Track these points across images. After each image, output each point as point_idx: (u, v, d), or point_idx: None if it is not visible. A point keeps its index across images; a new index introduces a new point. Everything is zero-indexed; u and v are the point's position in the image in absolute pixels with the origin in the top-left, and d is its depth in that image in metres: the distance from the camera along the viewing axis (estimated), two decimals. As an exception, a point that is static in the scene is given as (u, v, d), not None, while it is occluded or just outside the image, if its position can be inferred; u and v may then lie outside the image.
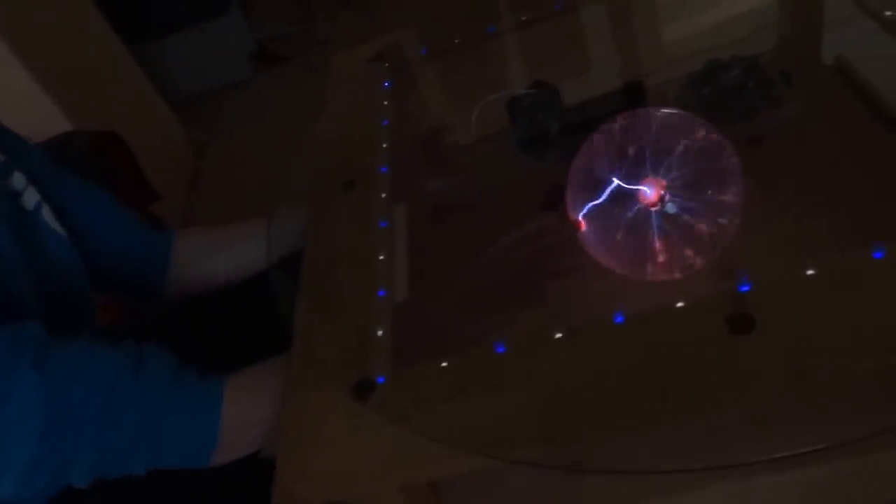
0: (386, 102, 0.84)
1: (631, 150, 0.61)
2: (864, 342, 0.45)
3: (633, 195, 0.60)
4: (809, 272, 0.48)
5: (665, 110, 0.63)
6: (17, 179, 0.62)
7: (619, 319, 0.50)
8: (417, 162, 0.90)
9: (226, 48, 2.05)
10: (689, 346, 0.48)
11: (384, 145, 0.76)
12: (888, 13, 0.74)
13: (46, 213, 0.64)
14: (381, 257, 0.63)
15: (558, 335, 0.51)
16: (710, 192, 0.59)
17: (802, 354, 0.45)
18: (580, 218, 0.61)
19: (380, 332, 0.56)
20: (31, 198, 0.63)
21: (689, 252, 0.60)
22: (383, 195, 0.70)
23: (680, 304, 0.50)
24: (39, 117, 1.30)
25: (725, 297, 0.49)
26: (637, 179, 0.60)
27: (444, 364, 0.52)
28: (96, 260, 0.71)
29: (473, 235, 0.74)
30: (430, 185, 0.86)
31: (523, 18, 0.94)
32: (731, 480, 0.57)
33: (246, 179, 1.70)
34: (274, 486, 0.49)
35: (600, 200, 0.60)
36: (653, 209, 0.59)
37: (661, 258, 0.60)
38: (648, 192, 0.60)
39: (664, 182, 0.60)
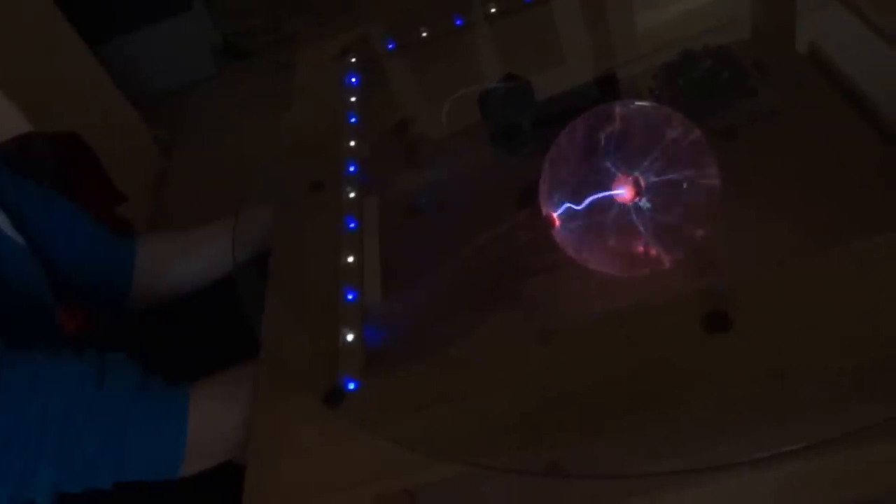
0: (353, 99, 0.82)
1: (604, 145, 0.60)
2: (840, 339, 0.44)
3: (607, 191, 0.59)
4: (786, 269, 0.48)
5: (638, 103, 0.62)
6: None
7: (594, 320, 0.50)
8: (388, 159, 0.88)
9: (190, 44, 2.00)
10: (666, 345, 0.47)
11: (352, 144, 0.75)
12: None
13: (3, 222, 0.62)
14: (350, 259, 0.61)
15: (532, 337, 0.50)
16: (685, 186, 0.58)
17: (779, 352, 0.44)
18: (554, 215, 0.60)
19: (350, 337, 0.54)
20: None
21: (664, 248, 0.59)
22: (351, 195, 0.68)
23: (655, 303, 0.49)
24: (-3, 120, 1.26)
25: (702, 294, 0.48)
26: (610, 175, 0.59)
27: (416, 370, 0.51)
28: (58, 269, 0.69)
29: (447, 234, 0.73)
30: (402, 183, 0.84)
31: (492, 10, 0.92)
32: (714, 478, 0.56)
33: (214, 178, 1.67)
34: (244, 497, 0.48)
35: (581, 207, 0.59)
36: (627, 205, 0.59)
37: (635, 254, 0.60)
38: (622, 187, 0.59)
39: (638, 177, 0.59)
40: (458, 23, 0.91)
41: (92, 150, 1.29)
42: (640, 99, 0.80)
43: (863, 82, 0.69)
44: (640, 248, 0.59)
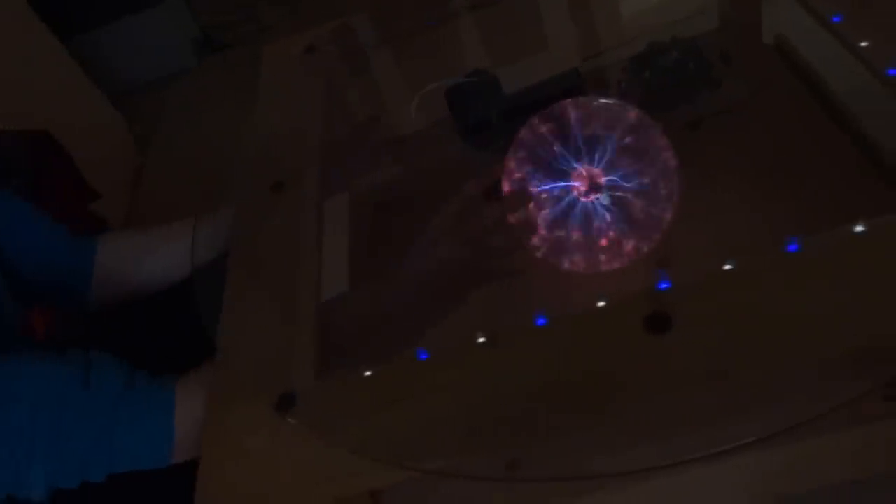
0: (318, 97, 0.81)
1: (564, 141, 0.60)
2: (779, 338, 0.45)
3: (568, 186, 0.60)
4: (726, 268, 0.48)
5: (602, 100, 0.63)
6: None
7: (541, 322, 0.50)
8: (355, 156, 0.88)
9: (168, 36, 1.98)
10: (609, 346, 0.47)
11: (315, 144, 0.74)
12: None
13: None
14: (309, 262, 0.61)
15: (481, 339, 0.50)
16: (645, 182, 0.59)
17: (717, 353, 0.45)
18: (516, 212, 0.61)
19: (304, 341, 0.55)
20: None
21: (622, 243, 0.60)
22: (313, 197, 0.68)
23: (601, 304, 0.50)
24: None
25: (647, 295, 0.49)
26: (570, 170, 0.60)
27: (366, 373, 0.51)
28: (16, 270, 0.68)
29: (414, 230, 0.73)
30: (369, 180, 0.84)
31: (461, 6, 0.92)
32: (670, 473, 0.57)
33: (192, 174, 1.66)
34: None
35: (539, 189, 0.59)
36: (587, 200, 0.59)
37: (594, 249, 0.60)
38: (583, 182, 0.59)
39: (598, 172, 0.59)
40: (429, 23, 0.90)
41: (63, 148, 1.28)
42: (608, 91, 0.80)
43: (828, 75, 0.69)
44: (599, 243, 0.60)
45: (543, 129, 0.62)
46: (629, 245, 0.60)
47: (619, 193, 0.59)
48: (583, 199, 0.59)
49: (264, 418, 0.50)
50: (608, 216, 0.59)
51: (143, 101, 1.96)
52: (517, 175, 0.61)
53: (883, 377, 0.49)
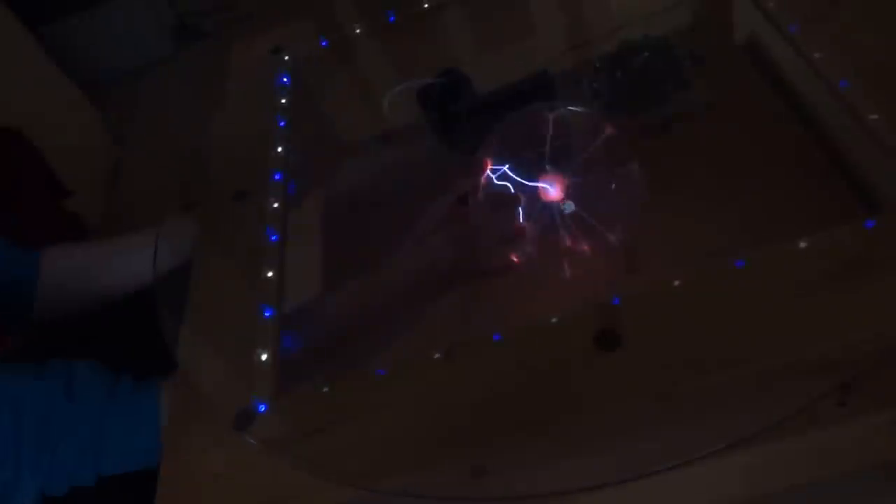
0: (284, 101, 0.80)
1: (531, 150, 0.61)
2: (730, 350, 0.46)
3: (534, 194, 0.60)
4: (675, 283, 0.49)
5: (569, 107, 0.63)
6: None
7: (496, 337, 0.50)
8: (324, 158, 0.88)
9: (144, 24, 1.94)
10: (561, 361, 0.48)
11: (279, 150, 0.74)
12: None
13: None
14: (270, 274, 0.61)
15: (437, 356, 0.50)
16: (609, 190, 0.59)
17: (661, 371, 0.46)
18: (481, 217, 0.61)
19: (263, 357, 0.55)
20: None
21: (583, 251, 0.60)
22: (275, 206, 0.68)
23: (553, 320, 0.50)
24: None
25: (598, 310, 0.49)
26: (536, 177, 0.60)
27: (324, 389, 0.51)
28: None
29: (386, 231, 0.73)
30: (339, 182, 0.84)
31: (426, 5, 0.91)
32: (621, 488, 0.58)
33: (171, 166, 1.64)
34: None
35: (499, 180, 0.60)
36: (552, 208, 0.59)
37: (559, 257, 0.61)
38: (548, 189, 0.60)
39: (564, 179, 0.60)
40: (391, 19, 0.89)
41: (33, 145, 1.26)
42: (579, 91, 0.80)
43: (797, 78, 0.69)
44: (563, 252, 0.60)
45: (510, 135, 0.62)
46: (591, 253, 0.60)
47: (582, 202, 0.59)
48: (548, 207, 0.59)
49: (224, 435, 0.51)
50: (570, 225, 0.59)
51: (118, 92, 1.93)
52: (483, 181, 0.61)
53: (833, 384, 0.50)
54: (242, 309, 0.60)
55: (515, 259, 0.60)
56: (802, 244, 0.48)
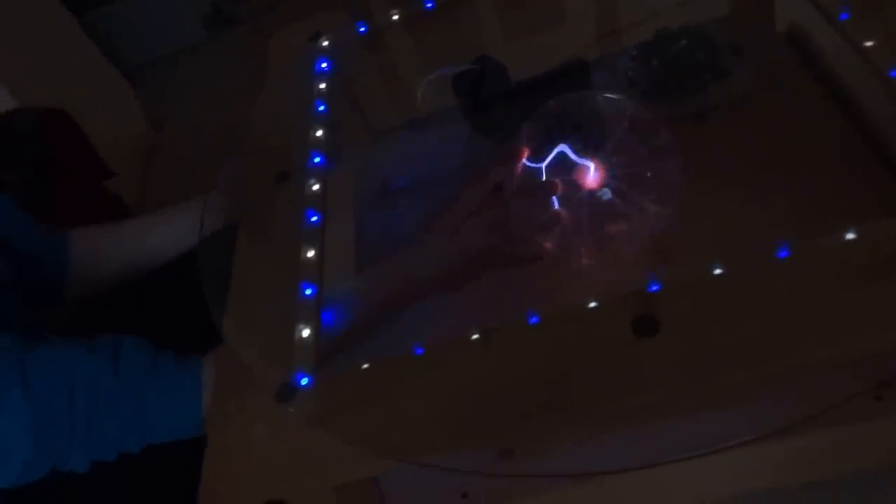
0: (323, 86, 0.82)
1: (568, 136, 0.61)
2: (770, 340, 0.46)
3: (570, 181, 0.60)
4: (716, 272, 0.49)
5: (606, 94, 0.63)
6: None
7: (534, 320, 0.51)
8: (363, 141, 0.89)
9: (178, 11, 1.98)
10: (598, 346, 0.49)
11: (319, 133, 0.75)
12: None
13: None
14: (310, 254, 0.63)
15: (474, 336, 0.52)
16: (647, 179, 0.59)
17: (707, 354, 0.46)
18: (517, 204, 0.61)
19: (305, 333, 0.56)
20: None
21: (621, 239, 0.61)
22: (315, 188, 0.69)
23: (591, 305, 0.51)
24: (-19, 96, 1.26)
25: (635, 297, 0.50)
26: (573, 163, 0.60)
27: (364, 366, 0.53)
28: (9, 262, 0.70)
29: (419, 217, 0.74)
30: (377, 165, 0.85)
31: (465, -9, 0.91)
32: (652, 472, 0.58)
33: (205, 149, 1.67)
34: (200, 490, 0.50)
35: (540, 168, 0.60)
36: (588, 194, 0.60)
37: (594, 245, 0.61)
38: (584, 178, 0.60)
39: (601, 167, 0.60)
40: (427, 5, 0.90)
41: (78, 126, 1.29)
42: (615, 79, 0.80)
43: (840, 67, 0.68)
44: (599, 239, 0.61)
45: (548, 121, 0.62)
46: (627, 241, 0.61)
47: (621, 189, 0.59)
48: (584, 194, 0.60)
49: (267, 407, 0.52)
50: (608, 212, 0.59)
51: (153, 77, 1.97)
52: (519, 168, 0.62)
53: (871, 378, 0.50)
54: (284, 286, 0.62)
55: (548, 246, 0.60)
56: (845, 236, 0.48)
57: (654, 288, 0.50)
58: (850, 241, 0.48)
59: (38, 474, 0.54)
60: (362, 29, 0.90)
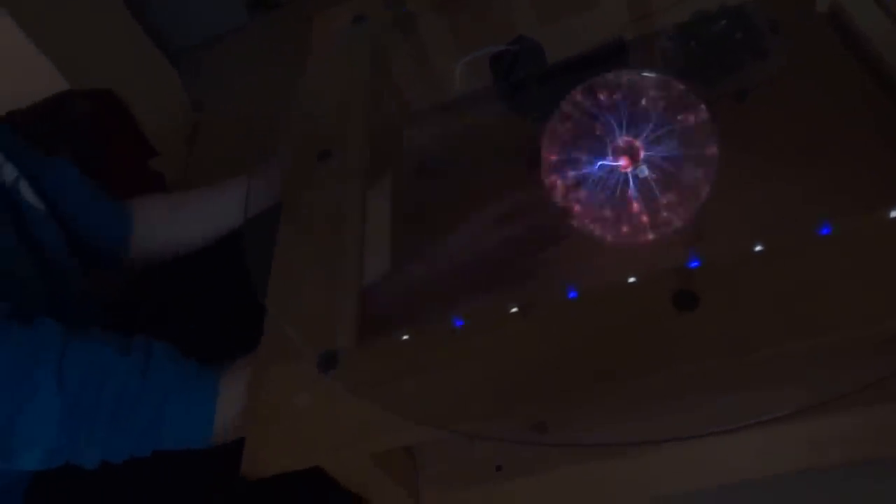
0: (366, 65, 0.83)
1: (605, 113, 0.61)
2: (806, 321, 0.46)
3: (606, 158, 0.60)
4: (757, 249, 0.49)
5: (645, 72, 0.63)
6: None
7: (573, 295, 0.52)
8: (401, 124, 0.90)
9: (221, -6, 2.01)
10: (638, 320, 0.49)
11: (362, 112, 0.76)
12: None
13: (25, 189, 0.66)
14: (354, 229, 0.64)
15: (513, 310, 0.52)
16: (685, 156, 0.59)
17: (746, 330, 0.46)
18: (554, 182, 0.62)
19: (347, 304, 0.58)
20: (9, 172, 0.65)
21: (658, 216, 0.61)
22: (358, 165, 0.71)
23: (631, 280, 0.51)
24: (35, 78, 1.30)
25: (677, 271, 0.50)
26: (610, 142, 0.60)
27: (404, 337, 0.54)
28: (67, 231, 0.72)
29: (456, 196, 0.75)
30: (414, 145, 0.86)
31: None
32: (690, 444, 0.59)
33: (245, 132, 1.71)
34: (243, 457, 0.52)
35: (580, 171, 0.60)
36: (626, 172, 0.60)
37: (631, 222, 0.61)
38: (623, 154, 0.60)
39: (637, 145, 0.60)
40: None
41: (126, 107, 1.34)
42: (653, 60, 0.79)
43: (883, 48, 0.67)
44: (635, 217, 0.61)
45: (585, 99, 0.62)
46: (665, 219, 0.61)
47: (657, 167, 0.59)
48: (622, 171, 0.60)
49: (309, 376, 0.54)
50: (646, 189, 0.59)
51: (195, 59, 2.01)
52: (557, 145, 0.62)
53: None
54: (326, 260, 0.63)
55: (585, 222, 0.61)
56: (886, 214, 0.47)
57: (695, 264, 0.50)
58: (892, 219, 0.47)
59: (55, 464, 0.55)
60: (402, 11, 0.91)
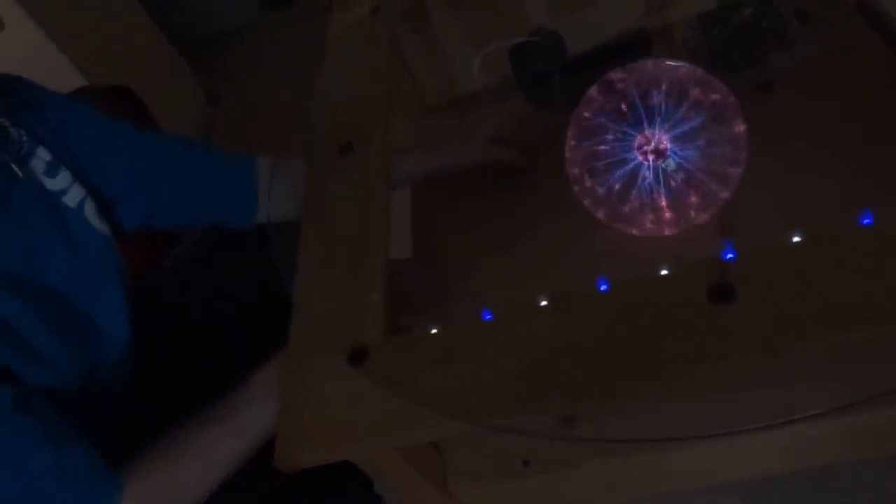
0: (385, 58, 0.83)
1: (630, 105, 0.60)
2: (843, 313, 0.45)
3: (633, 150, 0.60)
4: (794, 240, 0.48)
5: (669, 62, 0.62)
6: (50, 168, 0.60)
7: (604, 287, 0.51)
8: (421, 115, 0.89)
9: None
10: (671, 313, 0.48)
11: (382, 105, 0.76)
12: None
13: (89, 211, 0.63)
14: (378, 222, 0.64)
15: (543, 303, 0.52)
16: (712, 148, 0.58)
17: (778, 327, 0.45)
18: (579, 173, 0.61)
19: (374, 298, 0.58)
20: (74, 195, 0.62)
21: (686, 209, 0.60)
22: (379, 158, 0.70)
23: (664, 272, 0.50)
24: (52, 73, 1.31)
25: (711, 264, 0.49)
26: (636, 134, 0.59)
27: (433, 331, 0.54)
28: (168, 202, 0.71)
29: (477, 191, 0.75)
30: (433, 140, 0.86)
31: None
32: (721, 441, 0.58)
33: (260, 128, 1.71)
34: (275, 449, 0.52)
35: (606, 163, 0.60)
36: (652, 164, 0.59)
37: (657, 214, 0.61)
38: (648, 146, 0.59)
39: (665, 136, 0.59)
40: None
41: (142, 102, 1.33)
42: (676, 49, 0.78)
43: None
44: (662, 209, 0.60)
45: (609, 90, 0.62)
46: (693, 211, 0.60)
47: (685, 159, 0.58)
48: (647, 164, 0.59)
49: (338, 370, 0.54)
50: (673, 182, 0.59)
51: (211, 54, 2.01)
52: (581, 137, 0.62)
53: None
54: (351, 254, 0.63)
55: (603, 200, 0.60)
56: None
57: (729, 256, 0.49)
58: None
59: None
60: (421, 2, 0.90)
